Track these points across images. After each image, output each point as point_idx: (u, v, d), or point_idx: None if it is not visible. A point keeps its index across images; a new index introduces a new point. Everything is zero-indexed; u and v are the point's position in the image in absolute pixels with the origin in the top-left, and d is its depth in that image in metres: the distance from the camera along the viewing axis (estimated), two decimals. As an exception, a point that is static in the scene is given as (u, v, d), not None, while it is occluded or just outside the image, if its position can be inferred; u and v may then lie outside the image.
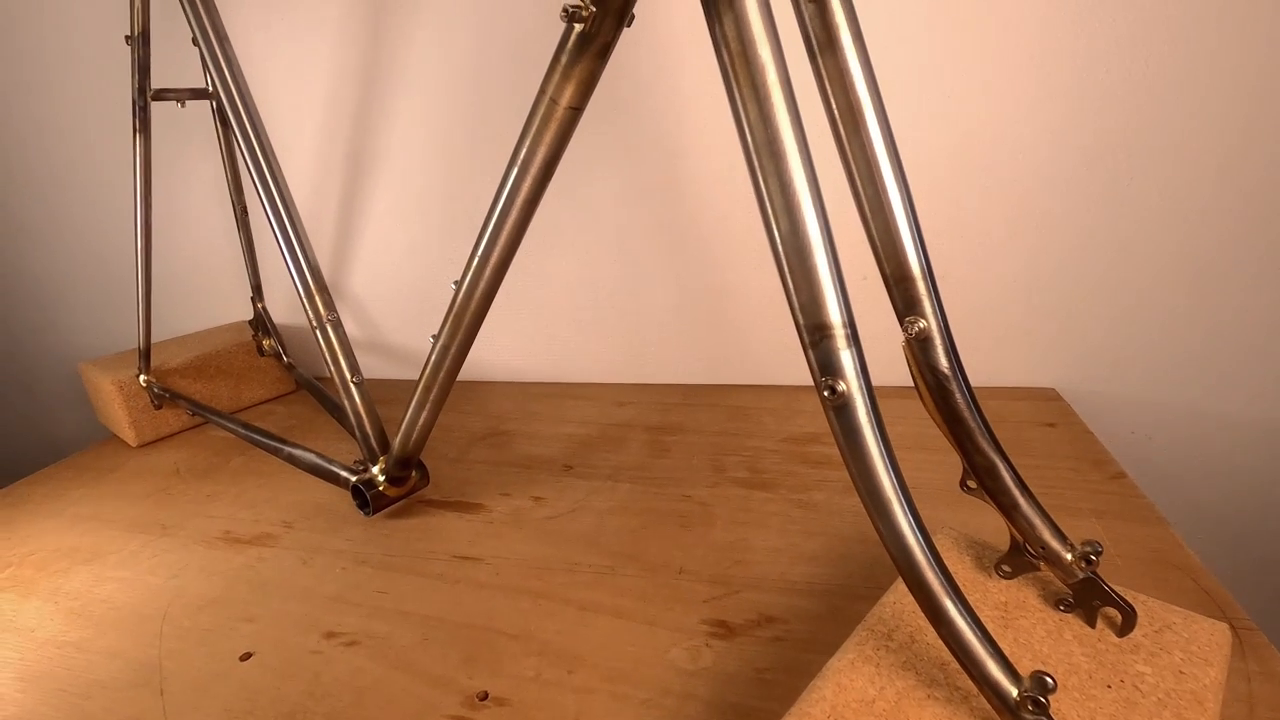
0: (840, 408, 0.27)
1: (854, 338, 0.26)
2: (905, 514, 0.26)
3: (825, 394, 0.27)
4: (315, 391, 0.89)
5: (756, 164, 0.26)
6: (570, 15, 0.33)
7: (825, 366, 0.26)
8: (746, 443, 0.73)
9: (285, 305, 1.01)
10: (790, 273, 0.27)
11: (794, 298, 0.27)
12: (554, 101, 0.37)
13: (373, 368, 1.03)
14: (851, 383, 0.26)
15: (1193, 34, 0.62)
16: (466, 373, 0.99)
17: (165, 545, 0.64)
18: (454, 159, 0.87)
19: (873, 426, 0.26)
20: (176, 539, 0.65)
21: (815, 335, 0.26)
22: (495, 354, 0.95)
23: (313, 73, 0.88)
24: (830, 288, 0.26)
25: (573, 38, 0.35)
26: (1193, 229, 0.68)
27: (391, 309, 0.99)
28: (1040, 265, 0.73)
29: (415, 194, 0.90)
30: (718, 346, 0.87)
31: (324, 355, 0.64)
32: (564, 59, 0.35)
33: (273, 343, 0.95)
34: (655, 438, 0.76)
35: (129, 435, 0.85)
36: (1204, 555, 0.77)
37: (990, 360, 0.78)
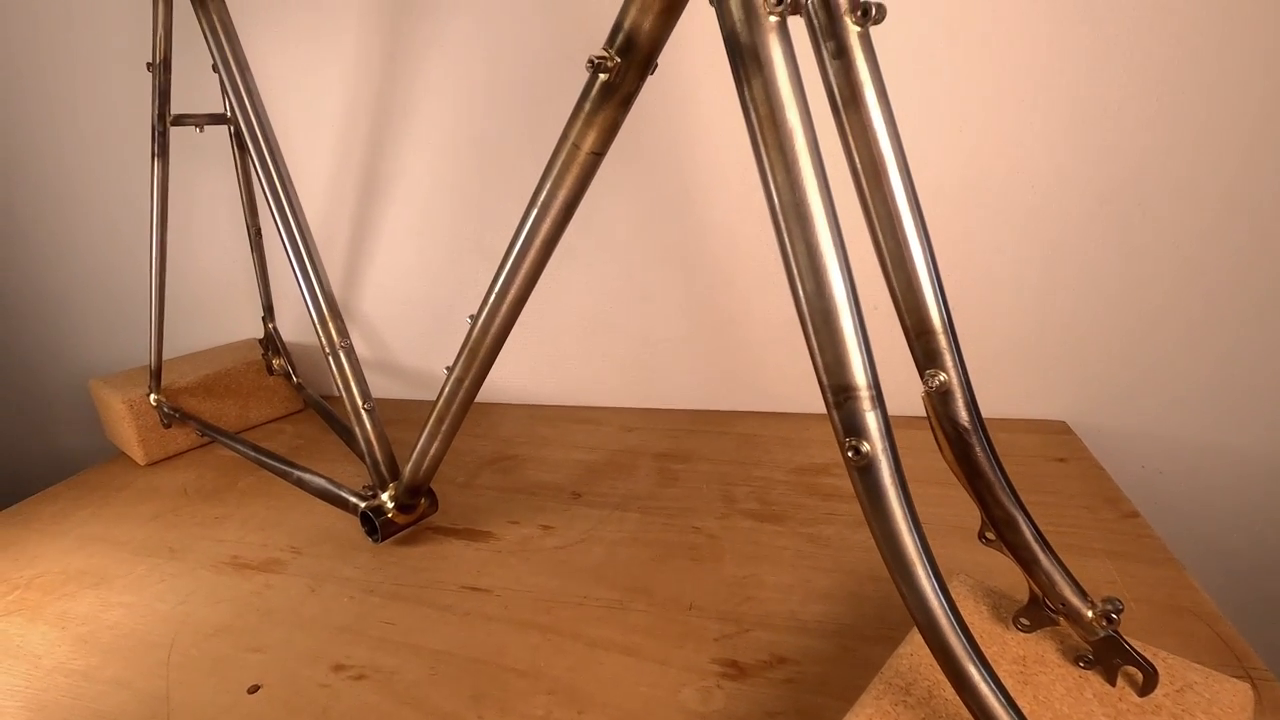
0: (864, 469, 0.26)
1: (879, 399, 0.26)
2: (929, 577, 0.26)
3: (849, 454, 0.27)
4: (324, 412, 0.89)
5: (783, 225, 0.26)
6: (595, 66, 0.33)
7: (850, 427, 0.26)
8: (755, 472, 0.73)
9: (295, 323, 1.01)
10: (815, 333, 0.27)
11: (818, 357, 0.27)
12: (576, 146, 0.37)
13: (382, 387, 1.03)
14: (876, 444, 0.26)
15: (1201, 74, 0.62)
16: (481, 397, 1.00)
17: (173, 570, 0.64)
18: (465, 184, 0.87)
19: (897, 488, 0.26)
20: (184, 563, 0.65)
21: (840, 396, 0.26)
22: (504, 376, 0.95)
23: (329, 95, 0.89)
24: (856, 350, 0.26)
25: (596, 87, 0.35)
26: (1201, 264, 0.68)
27: (401, 330, 1.00)
28: (1050, 299, 0.73)
29: (427, 217, 0.91)
30: (726, 372, 0.87)
31: (336, 381, 0.64)
32: (587, 107, 0.36)
33: (282, 362, 0.95)
34: (664, 465, 0.76)
35: (138, 454, 0.85)
36: (1215, 589, 0.76)
37: (1001, 392, 0.78)
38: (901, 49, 0.67)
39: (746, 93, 0.26)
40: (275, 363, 0.95)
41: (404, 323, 0.99)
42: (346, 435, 0.82)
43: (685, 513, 0.66)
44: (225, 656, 0.52)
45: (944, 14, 0.66)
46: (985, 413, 0.84)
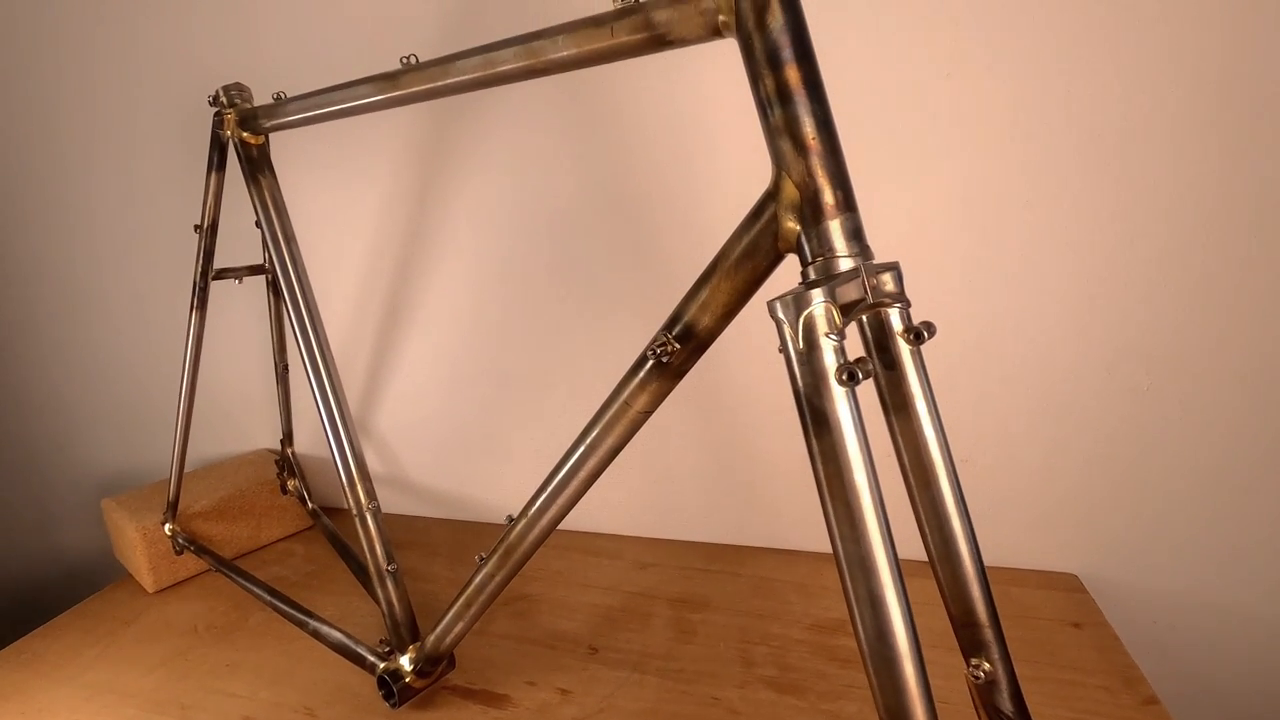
0: (925, 810, 0.27)
1: (939, 744, 0.27)
2: None
3: (910, 796, 0.27)
4: (338, 544, 0.88)
5: (846, 573, 0.28)
6: (657, 355, 0.35)
7: (911, 769, 0.27)
8: (773, 628, 0.73)
9: (310, 435, 1.02)
10: (876, 676, 0.28)
11: (879, 698, 0.28)
12: (627, 404, 0.39)
13: (392, 503, 1.03)
14: (936, 788, 0.27)
15: (1222, 250, 0.65)
16: (491, 518, 0.99)
17: (184, 733, 0.63)
18: (485, 313, 0.89)
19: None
20: (196, 725, 0.64)
21: (901, 739, 0.27)
22: (521, 499, 0.95)
23: (357, 224, 0.91)
24: (918, 698, 0.27)
25: (652, 363, 0.37)
26: (1214, 434, 0.70)
27: (415, 447, 1.00)
28: (1061, 456, 0.75)
29: (447, 342, 0.93)
30: (740, 508, 0.88)
31: (362, 541, 0.64)
32: (642, 375, 0.37)
33: (297, 484, 0.95)
34: (680, 614, 0.76)
35: (147, 581, 0.84)
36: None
37: (1013, 544, 0.79)
38: (921, 208, 0.70)
39: (815, 446, 0.28)
40: (290, 484, 0.95)
41: (418, 441, 1.00)
42: (360, 573, 0.81)
43: (703, 678, 0.66)
44: None
45: (964, 173, 0.69)
46: (997, 563, 0.83)
